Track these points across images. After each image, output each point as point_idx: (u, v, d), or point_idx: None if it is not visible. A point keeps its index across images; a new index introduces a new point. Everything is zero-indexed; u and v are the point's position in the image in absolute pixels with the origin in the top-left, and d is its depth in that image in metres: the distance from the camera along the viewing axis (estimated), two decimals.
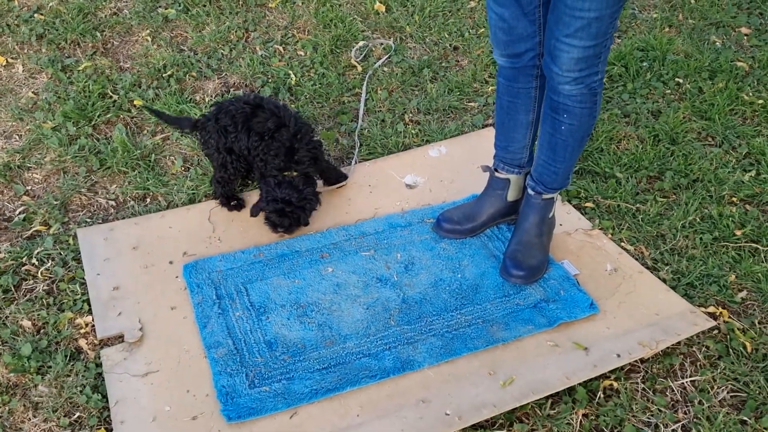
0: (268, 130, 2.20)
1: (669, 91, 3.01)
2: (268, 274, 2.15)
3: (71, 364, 1.89)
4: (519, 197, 2.28)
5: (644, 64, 3.14)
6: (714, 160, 2.63)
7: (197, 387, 1.82)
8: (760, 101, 2.92)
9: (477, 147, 2.67)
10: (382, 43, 3.23)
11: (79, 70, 2.99)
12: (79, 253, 2.19)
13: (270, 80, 3.02)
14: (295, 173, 2.22)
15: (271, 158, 2.20)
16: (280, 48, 3.22)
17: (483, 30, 3.37)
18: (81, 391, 1.82)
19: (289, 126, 2.23)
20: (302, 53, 3.19)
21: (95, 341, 1.96)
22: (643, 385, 1.89)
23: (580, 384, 1.86)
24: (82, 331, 1.98)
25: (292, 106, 2.89)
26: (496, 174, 2.26)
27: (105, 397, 1.81)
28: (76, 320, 2.01)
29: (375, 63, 3.13)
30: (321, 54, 3.15)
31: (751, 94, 2.98)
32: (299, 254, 2.22)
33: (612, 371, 1.90)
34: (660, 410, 1.83)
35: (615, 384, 1.89)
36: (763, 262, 2.24)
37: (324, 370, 1.86)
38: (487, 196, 2.29)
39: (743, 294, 2.14)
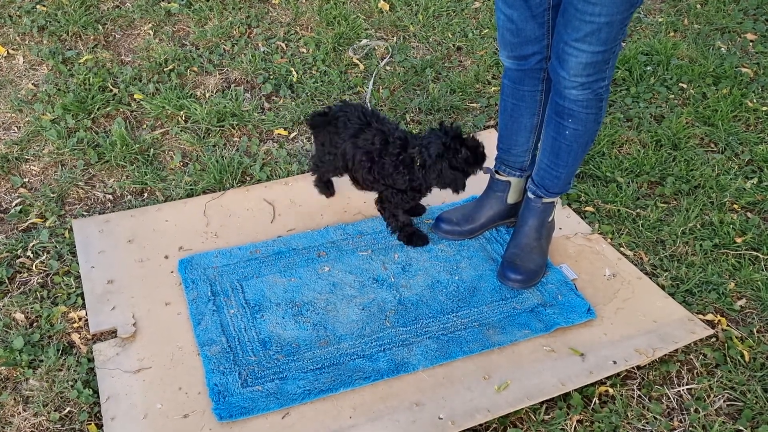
0: (394, 171, 2.11)
1: (672, 96, 2.99)
2: (264, 272, 2.13)
3: (63, 358, 1.88)
4: (519, 200, 2.26)
5: (648, 68, 3.12)
6: (716, 167, 2.61)
7: (189, 385, 1.81)
8: (764, 108, 2.90)
9: None
10: (382, 44, 3.21)
11: (79, 63, 2.98)
12: (75, 247, 2.18)
13: (271, 77, 3.00)
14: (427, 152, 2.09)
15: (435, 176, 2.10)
16: (283, 45, 3.21)
17: (487, 30, 3.35)
18: (72, 386, 1.81)
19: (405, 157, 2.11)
20: (304, 50, 3.18)
21: (88, 336, 1.94)
22: (639, 392, 1.88)
23: (575, 390, 1.84)
24: (75, 325, 1.97)
25: (293, 104, 2.87)
26: (497, 176, 2.24)
27: (96, 392, 1.80)
28: (69, 314, 1.99)
29: (378, 63, 3.11)
30: (323, 52, 3.14)
31: (755, 100, 2.96)
32: (296, 252, 2.21)
33: (608, 377, 1.89)
34: (655, 418, 1.82)
35: (611, 390, 1.87)
36: (763, 270, 2.22)
37: (318, 371, 1.85)
38: (487, 198, 2.28)
39: (742, 302, 2.12)
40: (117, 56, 3.07)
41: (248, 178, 2.51)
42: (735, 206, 2.46)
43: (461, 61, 3.19)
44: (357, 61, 3.11)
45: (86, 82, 2.87)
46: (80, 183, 2.45)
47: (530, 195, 2.14)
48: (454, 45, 3.26)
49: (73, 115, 2.70)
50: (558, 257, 2.22)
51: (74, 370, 1.85)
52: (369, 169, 2.14)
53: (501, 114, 2.16)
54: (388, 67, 3.09)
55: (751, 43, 3.34)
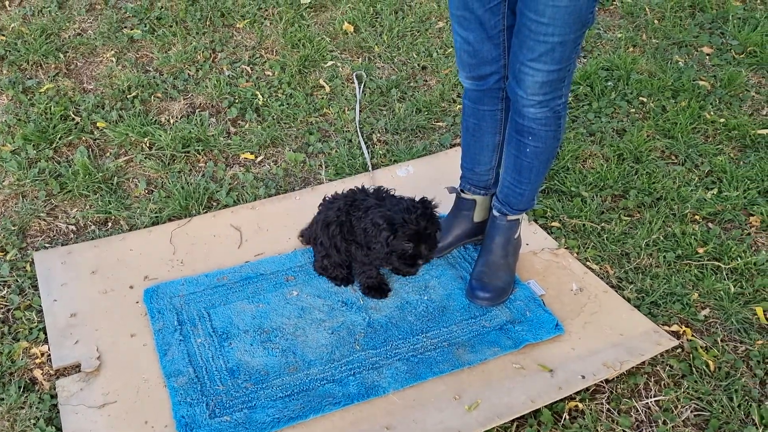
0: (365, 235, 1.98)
1: (633, 110, 3.05)
2: (231, 299, 2.11)
3: (25, 395, 1.83)
4: (485, 218, 2.28)
5: (609, 83, 3.18)
6: (677, 179, 2.67)
7: (156, 418, 1.78)
8: (722, 120, 2.97)
9: (444, 167, 2.67)
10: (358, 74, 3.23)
11: (40, 92, 2.94)
12: (37, 280, 2.14)
13: (237, 101, 3.00)
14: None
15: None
16: (248, 68, 3.21)
17: (451, 50, 3.39)
18: (35, 424, 1.77)
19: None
20: (270, 73, 3.18)
21: (51, 371, 1.90)
22: (607, 406, 1.89)
23: (545, 406, 1.85)
24: (38, 361, 1.93)
25: (259, 127, 2.87)
26: (463, 195, 2.26)
27: (60, 429, 1.75)
28: (31, 350, 1.95)
29: (354, 91, 3.13)
30: (289, 74, 3.15)
31: (712, 112, 3.03)
32: (264, 277, 2.19)
33: (577, 392, 1.90)
34: (625, 431, 1.83)
35: (580, 405, 1.88)
36: (725, 279, 2.26)
37: (287, 398, 1.83)
38: (454, 217, 2.29)
39: (706, 312, 2.16)
40: (79, 84, 3.04)
41: (214, 204, 2.50)
42: (696, 217, 2.51)
43: (426, 81, 3.22)
44: (323, 83, 3.12)
45: (47, 111, 2.83)
46: (42, 214, 2.41)
47: (495, 213, 2.16)
48: (419, 65, 3.30)
49: (34, 146, 2.66)
50: (525, 273, 2.24)
51: (36, 408, 1.80)
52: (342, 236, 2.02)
53: (463, 134, 2.18)
54: (353, 88, 3.10)
55: (707, 57, 3.43)
